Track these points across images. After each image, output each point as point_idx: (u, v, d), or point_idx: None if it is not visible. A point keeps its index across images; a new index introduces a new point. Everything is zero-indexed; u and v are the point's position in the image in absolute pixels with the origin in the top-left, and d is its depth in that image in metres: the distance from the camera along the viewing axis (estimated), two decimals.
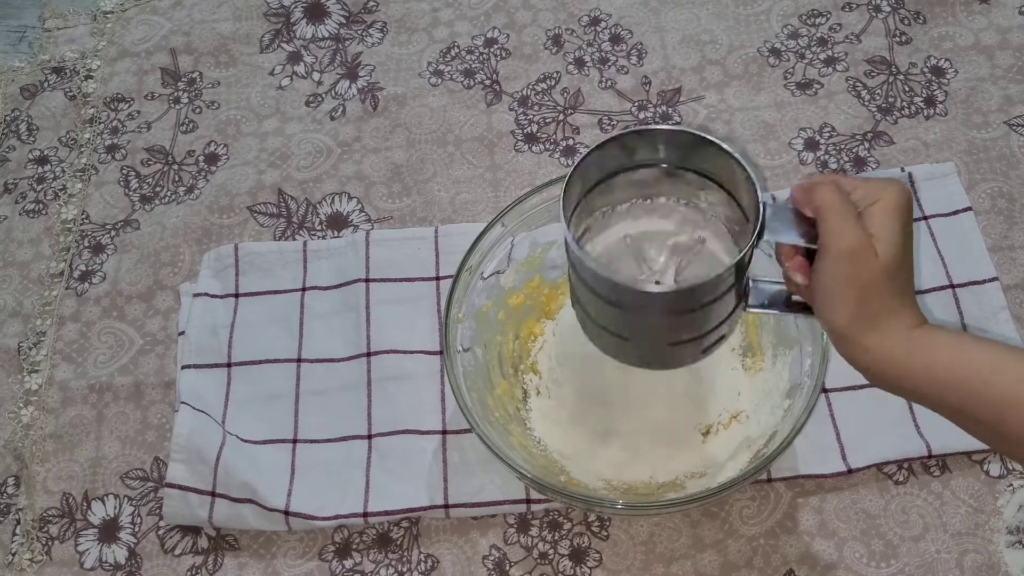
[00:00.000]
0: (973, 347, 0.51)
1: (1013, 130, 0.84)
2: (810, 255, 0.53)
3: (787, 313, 0.56)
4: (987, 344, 0.51)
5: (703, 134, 0.56)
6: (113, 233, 0.88)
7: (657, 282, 0.60)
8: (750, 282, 0.56)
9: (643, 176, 0.60)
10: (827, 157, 0.85)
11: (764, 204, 0.53)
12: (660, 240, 0.61)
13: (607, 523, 0.72)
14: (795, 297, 0.57)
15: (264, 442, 0.76)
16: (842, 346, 0.53)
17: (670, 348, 0.59)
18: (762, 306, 0.57)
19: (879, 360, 0.51)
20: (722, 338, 0.59)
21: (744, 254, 0.53)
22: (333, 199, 0.88)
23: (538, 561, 0.71)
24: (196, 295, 0.82)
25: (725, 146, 0.55)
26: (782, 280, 0.56)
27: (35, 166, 0.93)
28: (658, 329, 0.58)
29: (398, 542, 0.73)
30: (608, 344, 0.61)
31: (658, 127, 0.58)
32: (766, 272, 0.61)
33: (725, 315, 0.57)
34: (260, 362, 0.79)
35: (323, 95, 0.94)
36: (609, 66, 0.92)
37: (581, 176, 0.57)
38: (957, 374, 0.50)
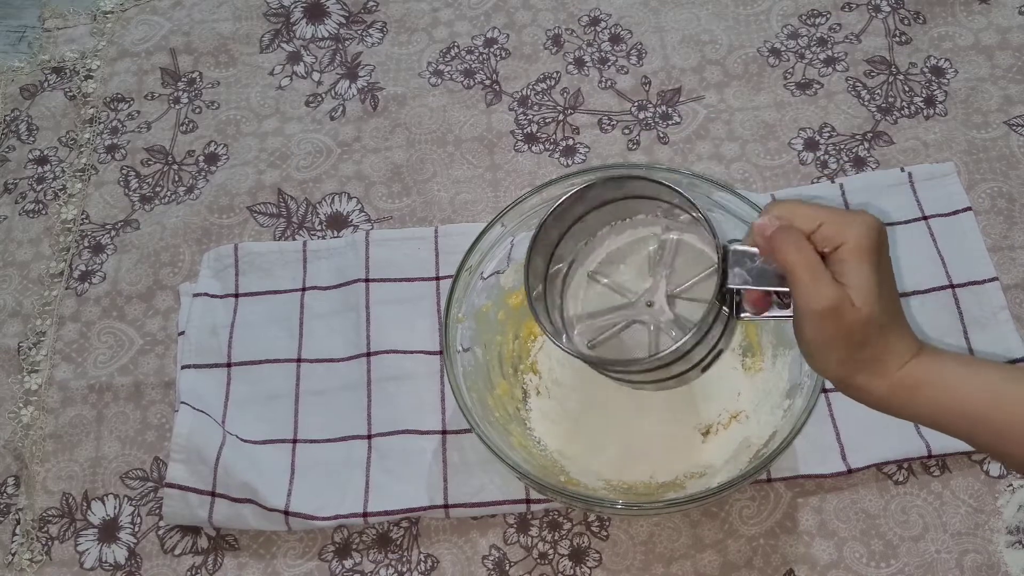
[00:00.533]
0: (971, 379, 0.51)
1: (1013, 130, 0.84)
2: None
3: (781, 318, 0.56)
4: (984, 372, 0.51)
5: (655, 179, 0.58)
6: (113, 233, 0.88)
7: (649, 303, 0.62)
8: (738, 293, 0.56)
9: (617, 206, 0.62)
10: (827, 157, 0.85)
11: (727, 249, 0.53)
12: (644, 253, 0.63)
13: (607, 523, 0.72)
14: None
15: (264, 442, 0.76)
16: (839, 389, 0.53)
17: (671, 379, 0.61)
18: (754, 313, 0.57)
19: (878, 400, 0.52)
20: (719, 353, 0.60)
21: (710, 307, 0.54)
22: (333, 199, 0.88)
23: (538, 561, 0.71)
24: (196, 295, 0.82)
25: (681, 191, 0.57)
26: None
27: (35, 166, 0.93)
28: (656, 373, 0.60)
29: (398, 542, 0.73)
30: (612, 379, 0.63)
31: (608, 176, 0.60)
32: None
33: (715, 340, 0.58)
34: (260, 362, 0.79)
35: (323, 95, 0.94)
36: (609, 66, 0.92)
37: (541, 250, 0.61)
38: (958, 408, 0.50)
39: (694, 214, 0.57)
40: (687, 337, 0.54)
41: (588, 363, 0.61)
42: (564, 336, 0.63)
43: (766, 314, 0.56)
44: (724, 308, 0.56)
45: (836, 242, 0.50)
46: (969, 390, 0.50)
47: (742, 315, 0.56)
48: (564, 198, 0.60)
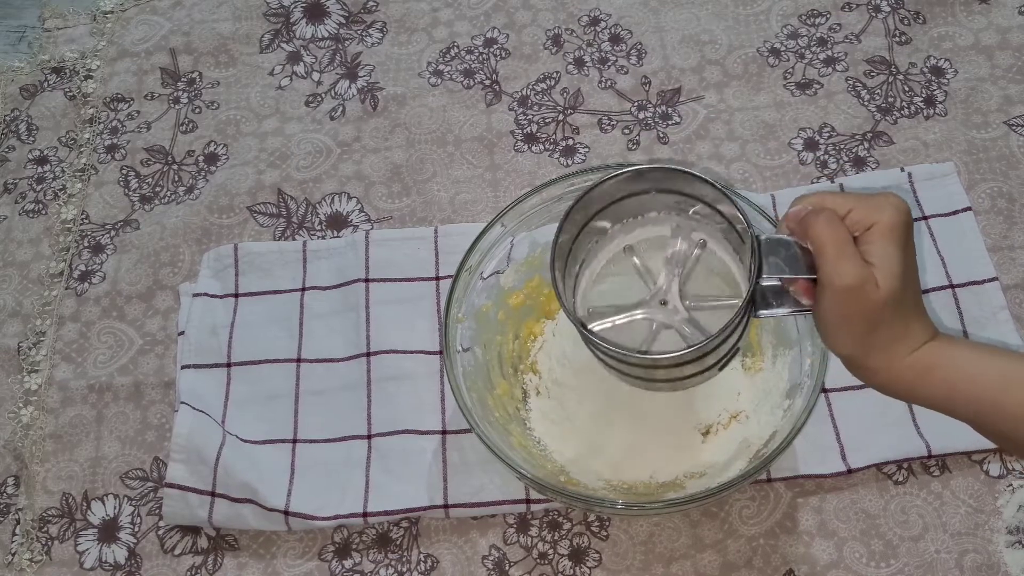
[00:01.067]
0: (983, 363, 0.51)
1: (1013, 130, 0.84)
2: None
3: (797, 313, 0.55)
4: (997, 357, 0.51)
5: (690, 171, 0.56)
6: (113, 233, 0.88)
7: (663, 302, 0.61)
8: (755, 291, 0.55)
9: (632, 202, 0.61)
10: (827, 157, 0.85)
11: (759, 240, 0.53)
12: (658, 251, 0.62)
13: (607, 523, 0.72)
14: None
15: (264, 442, 0.76)
16: (851, 369, 0.53)
17: (687, 379, 0.60)
18: (770, 307, 0.56)
19: (889, 381, 0.52)
20: (737, 351, 0.59)
21: (746, 300, 0.53)
22: (333, 199, 0.88)
23: (538, 561, 0.71)
24: (196, 295, 0.82)
25: (715, 182, 0.56)
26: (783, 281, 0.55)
27: (35, 166, 0.93)
28: (673, 372, 0.59)
29: (398, 542, 0.73)
30: (625, 380, 0.62)
31: (644, 167, 0.58)
32: None
33: (736, 340, 0.57)
34: (260, 362, 0.79)
35: (323, 95, 0.94)
36: (609, 66, 0.92)
37: (562, 247, 0.58)
38: (969, 391, 0.50)
39: (723, 208, 0.56)
40: (724, 326, 0.53)
41: (607, 359, 0.59)
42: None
43: (784, 310, 0.54)
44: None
45: (866, 224, 0.50)
46: (982, 375, 0.50)
47: (759, 312, 0.55)
48: (592, 185, 0.58)
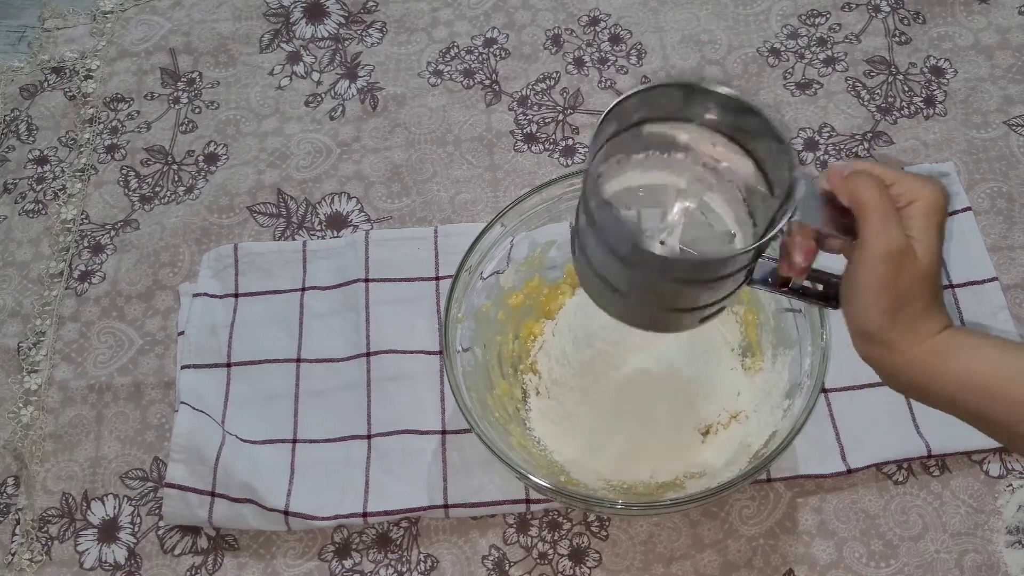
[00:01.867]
0: (1001, 352, 0.50)
1: (1012, 130, 0.84)
2: (820, 242, 0.52)
3: (782, 295, 0.54)
4: (1015, 348, 0.50)
5: (748, 101, 0.53)
6: (113, 233, 0.88)
7: (662, 242, 0.57)
8: (755, 261, 0.53)
9: (668, 128, 0.57)
10: (827, 157, 0.85)
11: (798, 181, 0.50)
12: (670, 196, 0.58)
13: (606, 523, 0.72)
14: (794, 282, 0.55)
15: (264, 442, 0.76)
16: (866, 347, 0.52)
17: (667, 313, 0.56)
18: (764, 283, 0.55)
19: (904, 363, 0.51)
20: (722, 310, 0.57)
21: (771, 233, 0.50)
22: (333, 199, 0.88)
23: (538, 561, 0.71)
24: (196, 295, 0.82)
25: (770, 118, 0.52)
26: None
27: (35, 166, 0.93)
28: (660, 293, 0.55)
29: (398, 542, 0.73)
30: (601, 295, 0.57)
31: (708, 86, 0.54)
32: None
33: (731, 290, 0.55)
34: (260, 362, 0.79)
35: (322, 95, 0.94)
36: (608, 66, 0.92)
37: (617, 117, 0.54)
38: (982, 379, 0.49)
39: (778, 142, 0.52)
40: (749, 247, 0.50)
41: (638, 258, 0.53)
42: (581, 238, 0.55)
43: (771, 289, 0.53)
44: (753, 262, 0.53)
45: (908, 199, 0.50)
46: (994, 364, 0.49)
47: (751, 283, 0.54)
48: (652, 86, 0.53)
